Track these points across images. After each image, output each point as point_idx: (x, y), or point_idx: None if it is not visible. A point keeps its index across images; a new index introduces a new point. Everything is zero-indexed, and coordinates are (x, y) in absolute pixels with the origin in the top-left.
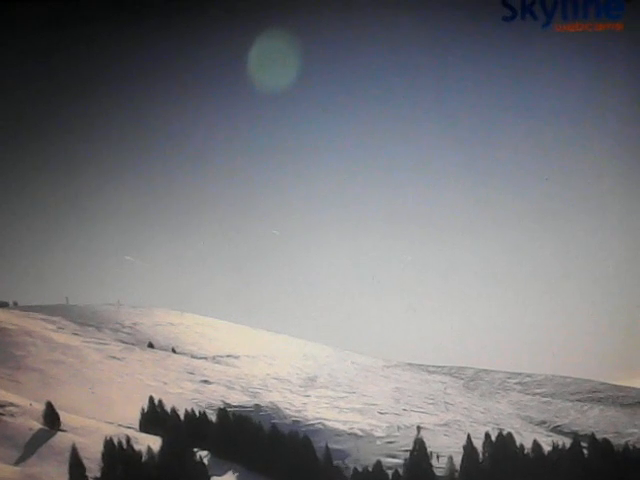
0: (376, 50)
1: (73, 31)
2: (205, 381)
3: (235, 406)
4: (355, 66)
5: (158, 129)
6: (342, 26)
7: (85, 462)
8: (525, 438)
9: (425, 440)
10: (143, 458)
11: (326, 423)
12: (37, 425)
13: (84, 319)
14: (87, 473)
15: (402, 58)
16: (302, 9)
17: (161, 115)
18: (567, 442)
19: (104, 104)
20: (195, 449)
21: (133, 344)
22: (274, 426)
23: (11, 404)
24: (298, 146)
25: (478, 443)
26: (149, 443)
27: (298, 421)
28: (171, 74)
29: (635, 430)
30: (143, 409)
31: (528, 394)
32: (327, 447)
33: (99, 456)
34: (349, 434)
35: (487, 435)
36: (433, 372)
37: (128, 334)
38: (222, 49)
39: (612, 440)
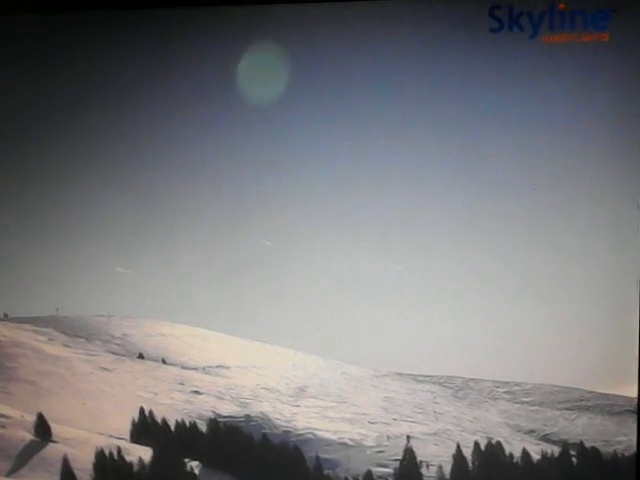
0: (365, 61)
1: (62, 42)
2: (196, 392)
3: (225, 416)
4: (344, 78)
5: (148, 140)
6: (332, 39)
7: (76, 473)
8: (514, 447)
9: (415, 449)
10: (134, 469)
11: (316, 433)
12: (28, 436)
13: (74, 330)
14: None
15: (391, 70)
16: (292, 21)
17: (151, 126)
18: (556, 450)
19: (92, 116)
20: (186, 459)
21: (123, 355)
22: (265, 436)
23: (2, 415)
24: (289, 157)
25: (467, 452)
26: (140, 454)
27: (288, 431)
28: (161, 86)
29: (623, 438)
30: (134, 420)
31: (517, 403)
32: (317, 457)
33: (90, 467)
34: (339, 444)
35: (476, 444)
36: (422, 381)
37: (118, 345)
38: (212, 61)
39: (601, 448)
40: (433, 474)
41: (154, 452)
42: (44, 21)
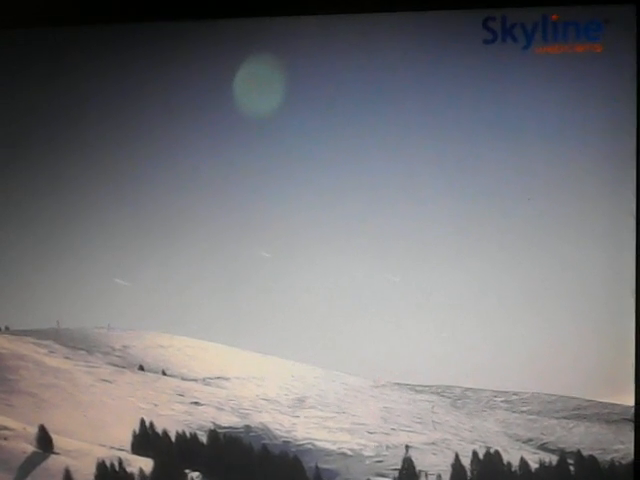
0: (359, 74)
1: (60, 55)
2: (195, 403)
3: (225, 427)
4: (339, 89)
5: (146, 152)
6: (327, 51)
7: None
8: (512, 456)
9: (413, 459)
10: None
11: (316, 443)
12: (30, 448)
13: (75, 343)
14: None
15: (386, 82)
16: (288, 34)
17: (149, 138)
18: (554, 459)
19: (92, 127)
20: (187, 470)
21: (124, 367)
22: (264, 447)
23: (4, 428)
24: (286, 169)
25: (466, 461)
26: (141, 465)
27: (288, 441)
28: (158, 98)
29: (621, 446)
30: (135, 431)
31: (514, 412)
32: (317, 467)
33: (92, 478)
34: (338, 454)
35: (474, 453)
36: (420, 391)
37: (119, 357)
38: (209, 73)
39: (598, 457)
40: None
41: (155, 463)
42: (41, 35)
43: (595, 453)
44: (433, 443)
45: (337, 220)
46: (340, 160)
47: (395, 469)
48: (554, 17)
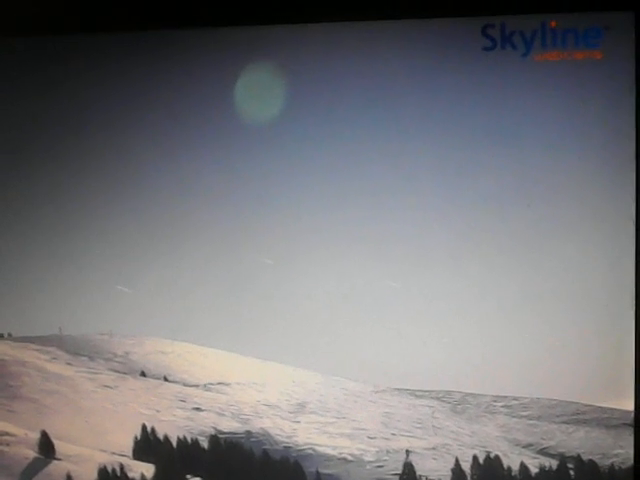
0: (361, 81)
1: (61, 64)
2: (197, 408)
3: (226, 433)
4: (341, 96)
5: (149, 159)
6: (329, 58)
7: None
8: (512, 460)
9: (414, 464)
10: None
11: (316, 448)
12: (32, 454)
13: (77, 349)
14: None
15: (388, 89)
16: (288, 41)
17: (152, 145)
18: (554, 464)
19: (93, 134)
20: (188, 475)
21: (125, 373)
22: (265, 452)
23: (6, 434)
24: (289, 175)
25: (466, 466)
26: (142, 471)
27: (289, 447)
28: (160, 104)
29: (620, 451)
30: (136, 437)
31: (514, 417)
32: (318, 472)
33: None
34: (339, 459)
35: (475, 458)
36: (421, 396)
37: (120, 363)
38: (212, 80)
39: (598, 461)
40: None
41: (156, 469)
42: (42, 43)
43: (595, 458)
44: (433, 448)
45: (338, 226)
46: (341, 166)
47: (396, 474)
48: (553, 24)
